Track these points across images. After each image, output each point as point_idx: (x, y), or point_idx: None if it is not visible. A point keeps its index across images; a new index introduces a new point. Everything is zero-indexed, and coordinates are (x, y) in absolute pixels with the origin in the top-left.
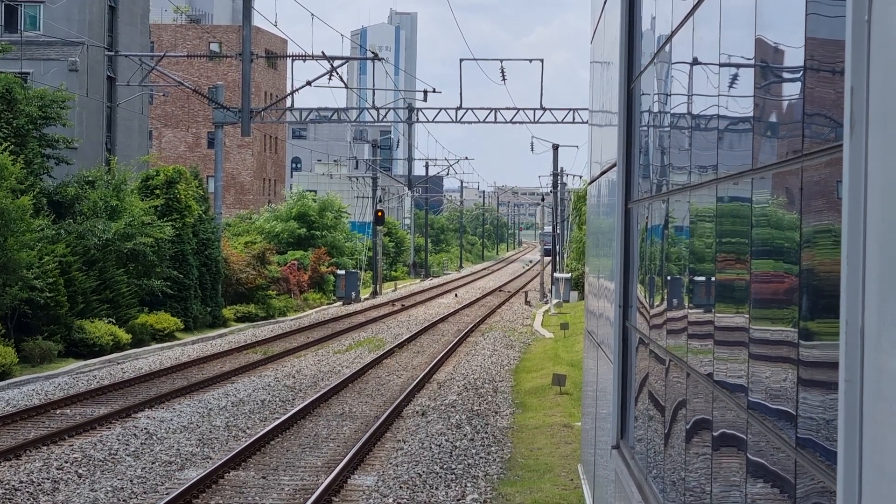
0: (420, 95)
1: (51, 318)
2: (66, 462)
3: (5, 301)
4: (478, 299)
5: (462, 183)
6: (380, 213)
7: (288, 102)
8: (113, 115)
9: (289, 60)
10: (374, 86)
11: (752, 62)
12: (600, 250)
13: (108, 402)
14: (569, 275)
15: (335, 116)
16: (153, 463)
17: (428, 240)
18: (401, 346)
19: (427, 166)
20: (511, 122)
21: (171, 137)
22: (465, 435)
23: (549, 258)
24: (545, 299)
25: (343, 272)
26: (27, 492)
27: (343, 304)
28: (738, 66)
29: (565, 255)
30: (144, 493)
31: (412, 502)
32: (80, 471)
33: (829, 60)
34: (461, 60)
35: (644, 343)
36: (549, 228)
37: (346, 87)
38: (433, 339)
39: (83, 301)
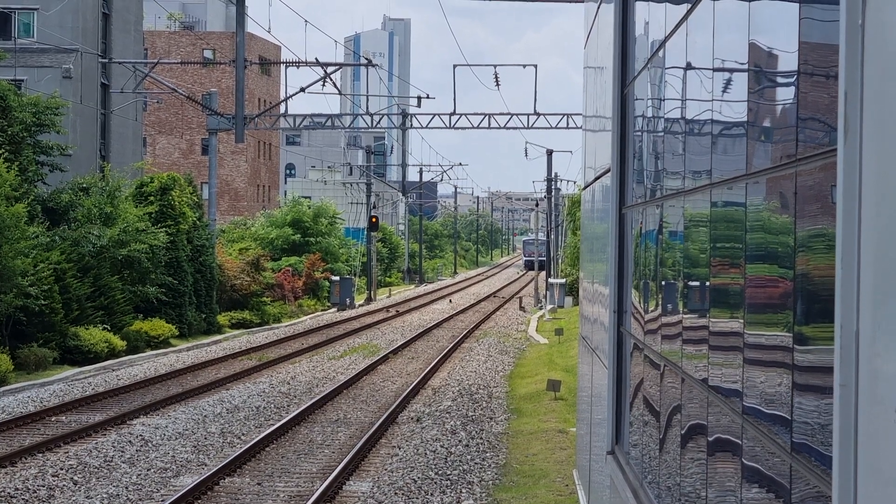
0: (414, 101)
1: (45, 325)
2: (62, 469)
3: (0, 308)
4: (472, 305)
5: (456, 188)
6: (374, 219)
7: (282, 109)
8: (107, 122)
9: (282, 67)
10: (367, 92)
11: (746, 67)
12: (595, 255)
13: (103, 409)
14: (563, 280)
15: (329, 123)
16: (148, 470)
17: (422, 245)
18: (395, 352)
19: (421, 172)
20: (505, 127)
21: (165, 144)
22: (460, 441)
23: (539, 270)
24: (539, 305)
25: (337, 278)
26: (23, 499)
27: (337, 311)
28: (731, 70)
29: (560, 261)
30: (140, 499)
31: None
32: (75, 478)
33: (822, 65)
34: (455, 66)
35: (639, 348)
36: (531, 235)
37: (340, 93)
38: (428, 344)
39: (78, 308)
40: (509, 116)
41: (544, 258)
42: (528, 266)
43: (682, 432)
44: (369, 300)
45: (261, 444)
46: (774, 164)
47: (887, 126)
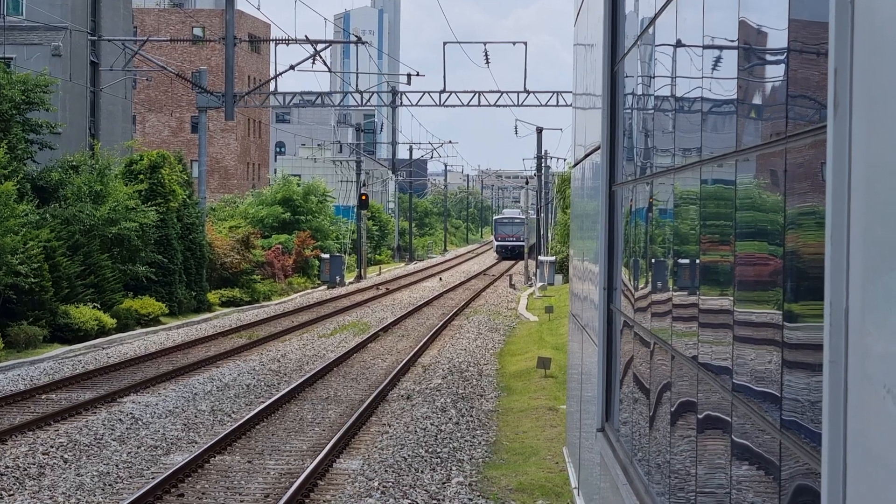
0: (404, 79)
1: (36, 303)
2: (52, 447)
3: None
4: (462, 283)
5: (446, 166)
6: (364, 197)
7: (271, 86)
8: (96, 100)
9: (272, 44)
10: (357, 69)
11: (736, 44)
12: (585, 233)
13: (93, 387)
14: (553, 258)
15: (319, 100)
16: (139, 447)
17: (412, 223)
18: (385, 329)
19: (411, 150)
20: (495, 105)
21: (155, 122)
22: (450, 418)
23: (516, 260)
24: (530, 282)
25: (327, 256)
26: (13, 477)
27: (328, 288)
28: (721, 48)
29: (550, 239)
30: (130, 477)
31: (398, 486)
32: (65, 456)
33: (812, 42)
34: (444, 44)
35: (629, 326)
36: (508, 212)
37: (330, 71)
38: (418, 322)
39: (68, 286)
40: (499, 94)
41: (526, 243)
42: (503, 254)
43: (672, 409)
44: (359, 278)
45: (251, 422)
46: (764, 141)
47: (877, 103)
